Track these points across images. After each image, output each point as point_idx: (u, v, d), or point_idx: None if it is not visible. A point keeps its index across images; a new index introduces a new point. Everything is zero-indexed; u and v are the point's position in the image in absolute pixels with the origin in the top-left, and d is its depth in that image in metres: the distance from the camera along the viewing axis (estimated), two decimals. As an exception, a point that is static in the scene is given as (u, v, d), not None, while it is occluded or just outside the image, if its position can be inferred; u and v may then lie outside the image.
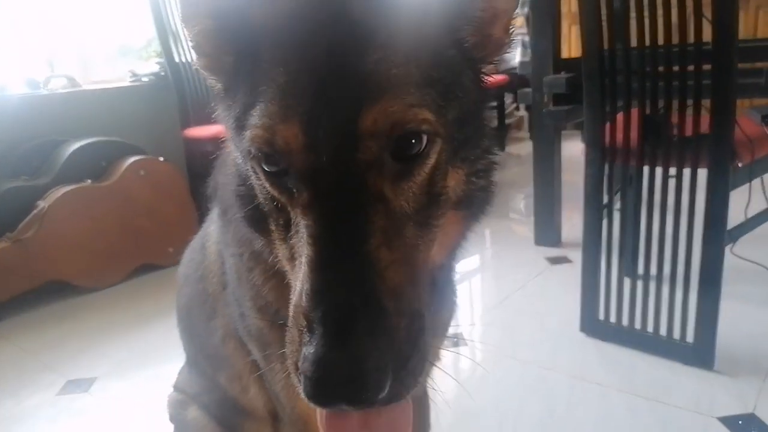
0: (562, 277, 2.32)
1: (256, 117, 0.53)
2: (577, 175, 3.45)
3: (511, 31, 0.66)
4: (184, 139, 3.09)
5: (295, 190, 0.54)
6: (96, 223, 2.55)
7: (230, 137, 0.64)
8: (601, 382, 1.59)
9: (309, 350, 0.47)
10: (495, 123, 5.04)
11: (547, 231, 2.64)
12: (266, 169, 0.55)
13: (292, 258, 0.56)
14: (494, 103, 4.90)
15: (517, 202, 3.68)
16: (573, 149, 3.52)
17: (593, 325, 1.80)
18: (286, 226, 0.57)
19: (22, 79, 2.90)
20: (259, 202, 0.62)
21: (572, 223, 2.74)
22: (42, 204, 2.43)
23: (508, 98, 5.24)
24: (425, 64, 0.55)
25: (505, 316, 2.05)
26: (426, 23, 0.58)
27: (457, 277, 0.94)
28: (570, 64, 2.60)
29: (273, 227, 0.60)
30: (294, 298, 0.53)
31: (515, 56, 5.51)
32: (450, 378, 1.73)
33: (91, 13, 3.27)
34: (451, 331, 1.94)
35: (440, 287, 0.78)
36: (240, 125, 0.56)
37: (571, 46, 4.79)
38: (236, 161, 0.66)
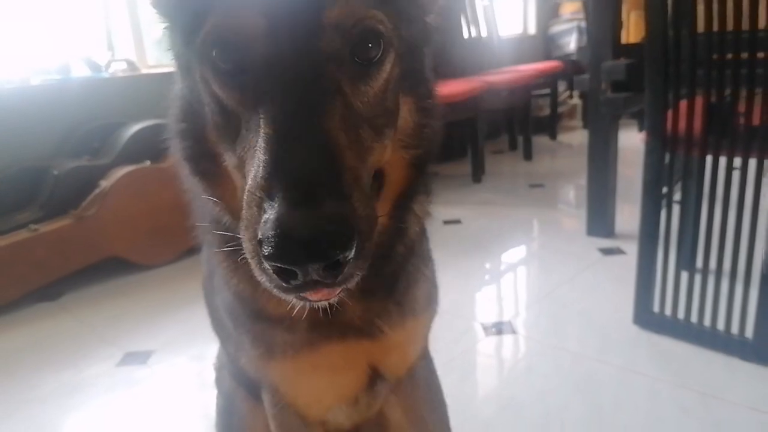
0: (614, 268, 2.27)
1: (215, 10, 0.53)
2: (631, 167, 3.36)
3: None
4: None
5: (251, 87, 0.54)
6: (153, 203, 2.64)
7: (177, 66, 0.65)
8: (653, 376, 1.55)
9: (270, 214, 0.46)
10: (547, 111, 4.94)
11: (600, 222, 2.58)
12: (222, 67, 0.55)
13: (242, 162, 0.55)
14: (547, 90, 4.81)
15: (566, 192, 3.62)
16: (628, 140, 3.41)
17: (647, 318, 1.76)
18: (237, 134, 0.56)
19: (83, 62, 3.01)
20: (202, 131, 0.63)
21: (626, 214, 2.67)
22: (104, 183, 2.52)
23: (561, 86, 5.12)
24: None
25: (554, 307, 2.02)
26: None
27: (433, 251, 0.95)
28: (630, 49, 2.52)
29: (222, 142, 0.59)
30: (248, 181, 0.51)
31: (570, 42, 5.38)
32: (494, 368, 1.74)
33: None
34: (494, 319, 1.94)
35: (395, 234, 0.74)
36: (192, 32, 0.56)
37: (630, 31, 4.62)
38: (180, 94, 0.67)
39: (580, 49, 5.03)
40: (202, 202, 0.73)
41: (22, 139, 2.71)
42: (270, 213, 0.45)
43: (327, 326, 0.75)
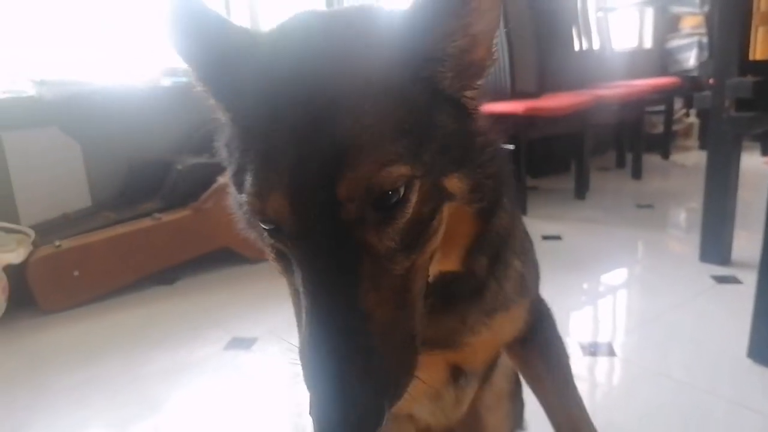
0: (729, 297, 2.13)
1: (247, 184, 0.57)
2: (751, 191, 3.14)
3: (494, 50, 0.64)
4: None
5: (288, 244, 0.58)
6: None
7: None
8: (767, 413, 1.45)
9: (311, 404, 0.54)
10: (661, 128, 4.71)
11: (715, 247, 2.43)
12: (263, 225, 0.59)
13: (297, 291, 0.61)
14: (661, 107, 4.59)
15: (677, 215, 3.43)
16: (749, 162, 3.19)
17: (763, 352, 1.64)
18: (289, 263, 0.61)
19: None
20: None
21: (743, 242, 2.50)
22: (221, 179, 2.70)
23: (677, 103, 4.87)
24: (397, 117, 0.56)
25: (659, 332, 1.92)
26: (393, 77, 0.58)
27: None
28: (757, 67, 2.36)
29: (279, 262, 0.66)
30: (300, 338, 0.60)
31: (689, 58, 5.11)
32: (590, 388, 1.69)
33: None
34: (591, 339, 1.88)
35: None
36: (237, 180, 0.60)
37: (758, 47, 4.32)
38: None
39: (701, 64, 4.76)
40: None
41: (151, 136, 2.97)
42: (311, 400, 0.55)
43: None
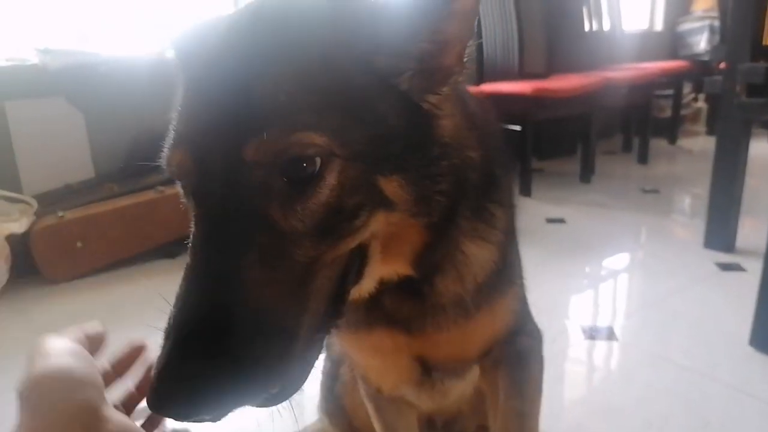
0: (732, 284, 2.12)
1: (168, 141, 0.58)
2: (759, 179, 3.13)
3: (465, 59, 0.61)
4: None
5: (190, 200, 0.57)
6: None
7: None
8: (767, 400, 1.45)
9: (157, 359, 0.50)
10: (669, 112, 4.67)
11: (719, 234, 2.42)
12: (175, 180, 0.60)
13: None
14: (670, 91, 4.54)
15: (683, 201, 3.42)
16: (758, 150, 3.16)
17: (766, 340, 1.64)
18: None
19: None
20: None
21: (749, 229, 2.49)
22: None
23: (686, 87, 4.81)
24: (325, 91, 0.54)
25: (661, 317, 1.93)
26: (333, 55, 0.56)
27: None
28: (772, 52, 2.33)
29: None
30: None
31: (700, 42, 5.04)
32: (590, 371, 1.69)
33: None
34: (593, 323, 1.88)
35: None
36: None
37: (771, 33, 4.25)
38: None
39: (713, 48, 4.71)
40: None
41: (156, 108, 2.93)
42: (157, 357, 0.49)
43: (378, 312, 0.76)
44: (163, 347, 0.49)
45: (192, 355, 0.48)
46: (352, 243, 0.58)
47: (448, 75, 0.61)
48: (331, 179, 0.54)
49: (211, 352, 0.48)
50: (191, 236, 0.55)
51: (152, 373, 0.49)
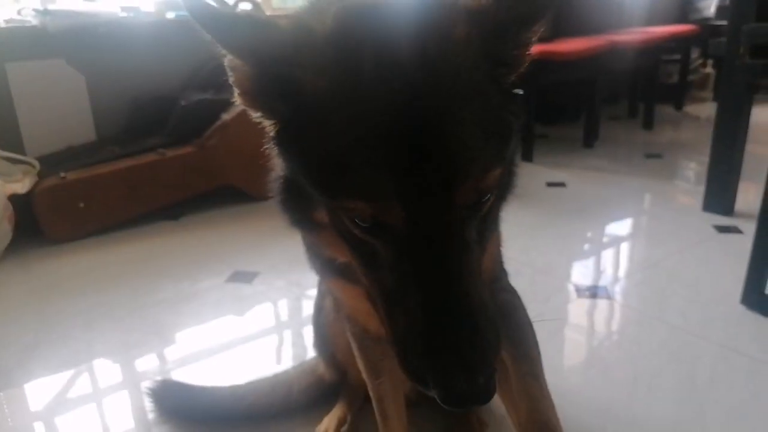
0: (728, 246, 2.13)
1: (352, 188, 0.56)
2: (760, 145, 3.10)
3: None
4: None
5: (391, 241, 0.58)
6: (265, 139, 2.78)
7: (279, 155, 0.68)
8: (755, 357, 1.47)
9: (438, 380, 0.56)
10: (676, 78, 4.60)
11: (718, 198, 2.41)
12: (359, 222, 0.59)
13: (378, 280, 0.62)
14: (677, 56, 4.47)
15: (686, 166, 3.40)
16: (760, 116, 3.13)
17: (757, 299, 1.65)
18: (372, 257, 0.61)
19: (213, 1, 3.16)
20: (307, 210, 0.69)
21: (747, 194, 2.48)
22: (225, 117, 2.69)
23: (694, 53, 4.73)
24: (487, 121, 0.58)
25: (657, 278, 1.94)
26: (478, 81, 0.59)
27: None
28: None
29: (353, 254, 0.65)
30: (395, 319, 0.60)
31: (710, 5, 4.94)
32: (584, 328, 1.72)
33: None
34: (589, 282, 1.90)
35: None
36: (321, 181, 0.60)
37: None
38: (281, 174, 0.71)
39: (719, 9, 4.61)
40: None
41: (157, 70, 2.94)
42: (437, 377, 0.56)
43: None
44: (448, 362, 0.56)
45: (471, 346, 0.56)
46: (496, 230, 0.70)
47: (521, 64, 0.66)
48: (493, 198, 0.61)
49: (479, 340, 0.56)
50: (394, 272, 0.59)
51: (444, 393, 0.56)
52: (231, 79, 0.64)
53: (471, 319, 0.57)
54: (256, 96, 0.63)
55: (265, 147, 0.72)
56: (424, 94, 0.55)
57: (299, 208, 0.70)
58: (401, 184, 0.55)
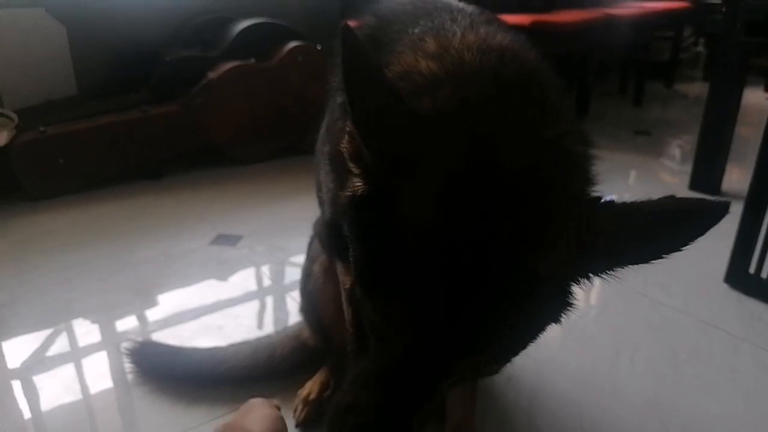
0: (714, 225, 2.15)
1: (380, 307, 0.57)
2: (748, 127, 3.10)
3: None
4: (342, 30, 3.13)
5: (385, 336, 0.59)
6: (252, 100, 2.72)
7: (349, 222, 0.64)
8: (736, 335, 1.49)
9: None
10: (667, 55, 4.58)
11: (705, 177, 2.42)
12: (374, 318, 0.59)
13: (370, 328, 0.62)
14: (670, 33, 4.44)
15: (673, 144, 3.40)
16: (751, 98, 3.13)
17: (740, 278, 1.67)
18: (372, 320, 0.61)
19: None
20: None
21: (734, 174, 2.50)
22: (211, 75, 2.62)
23: (686, 31, 4.71)
24: (521, 335, 0.60)
25: (641, 253, 1.95)
26: (547, 295, 0.58)
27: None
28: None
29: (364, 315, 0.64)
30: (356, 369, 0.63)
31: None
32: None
33: None
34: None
35: None
36: (363, 262, 0.60)
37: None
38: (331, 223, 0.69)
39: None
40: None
41: (140, 25, 2.84)
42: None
43: None
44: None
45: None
46: None
47: None
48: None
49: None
50: (374, 351, 0.60)
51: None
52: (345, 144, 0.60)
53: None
54: (363, 159, 0.58)
55: (335, 193, 0.71)
56: (489, 273, 0.53)
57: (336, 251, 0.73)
58: (417, 332, 0.55)
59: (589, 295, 1.76)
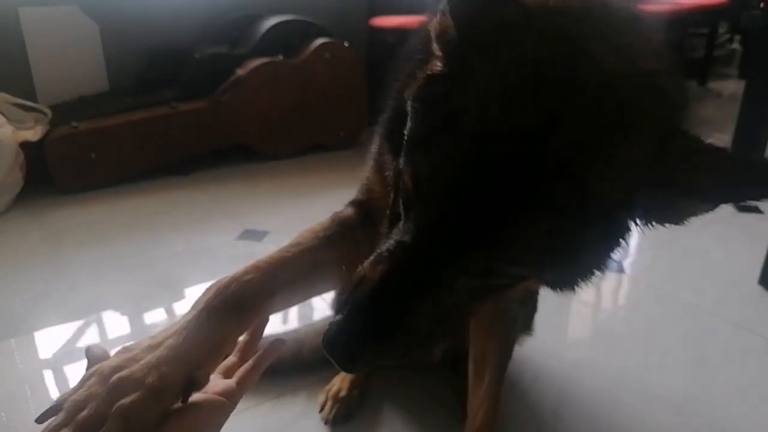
0: (748, 226, 2.09)
1: (416, 172, 0.56)
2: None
3: None
4: (369, 27, 3.14)
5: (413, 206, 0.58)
6: (280, 97, 2.74)
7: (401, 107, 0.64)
8: (771, 339, 1.45)
9: (337, 312, 0.60)
10: (701, 52, 4.48)
11: (740, 176, 2.36)
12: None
13: (395, 211, 0.62)
14: (703, 30, 4.34)
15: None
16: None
17: (776, 281, 1.63)
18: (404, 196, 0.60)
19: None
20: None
21: (772, 173, 2.42)
22: (239, 72, 2.64)
23: (722, 27, 4.59)
24: (560, 236, 0.53)
25: (672, 254, 1.91)
26: (599, 197, 0.53)
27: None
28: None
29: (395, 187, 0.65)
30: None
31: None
32: (595, 301, 1.69)
33: None
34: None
35: None
36: (408, 146, 0.60)
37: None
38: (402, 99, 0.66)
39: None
40: None
41: (171, 23, 2.88)
42: (338, 308, 0.60)
43: None
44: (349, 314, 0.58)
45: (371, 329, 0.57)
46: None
47: None
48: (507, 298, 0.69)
49: (376, 332, 0.58)
50: (399, 231, 0.60)
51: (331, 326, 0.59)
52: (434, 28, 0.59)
53: (385, 319, 0.57)
54: (448, 39, 0.58)
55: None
56: (532, 171, 0.51)
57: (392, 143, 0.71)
58: (441, 203, 0.54)
59: (618, 295, 1.73)
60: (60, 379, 1.34)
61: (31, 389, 1.31)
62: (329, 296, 1.31)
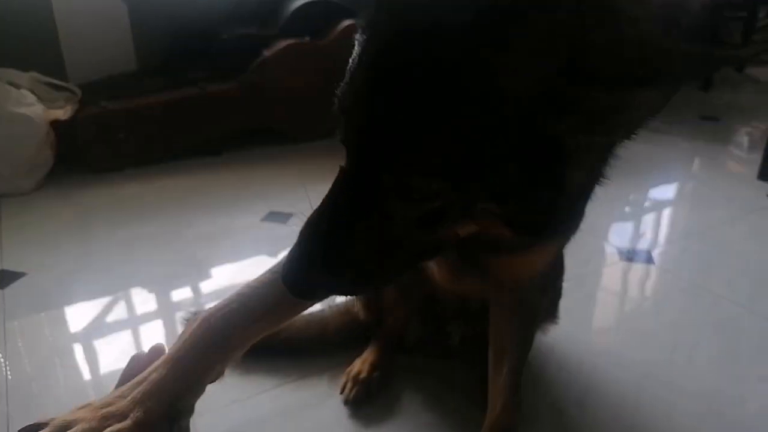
0: (783, 218, 2.04)
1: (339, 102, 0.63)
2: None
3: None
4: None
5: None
6: (308, 78, 2.71)
7: None
8: (806, 335, 1.41)
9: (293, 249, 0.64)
10: (739, 37, 4.33)
11: (776, 166, 2.29)
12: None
13: None
14: (741, 14, 4.20)
15: (742, 131, 3.23)
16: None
17: (813, 275, 1.58)
18: None
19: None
20: None
21: (811, 164, 2.35)
22: (266, 53, 2.63)
23: (761, 11, 4.43)
24: (466, 141, 0.53)
25: (704, 246, 1.86)
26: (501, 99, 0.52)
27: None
28: None
29: None
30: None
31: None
32: (623, 292, 1.67)
33: None
34: (630, 246, 1.84)
35: None
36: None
37: None
38: None
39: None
40: None
41: (199, 3, 2.87)
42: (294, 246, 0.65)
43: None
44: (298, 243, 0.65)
45: (322, 257, 0.63)
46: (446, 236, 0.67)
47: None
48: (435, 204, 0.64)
49: (333, 257, 0.62)
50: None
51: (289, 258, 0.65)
52: None
53: (327, 243, 0.61)
54: None
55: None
56: (436, 66, 0.52)
57: None
58: (348, 122, 0.59)
59: (646, 286, 1.70)
60: (89, 352, 1.37)
61: (60, 361, 1.34)
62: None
